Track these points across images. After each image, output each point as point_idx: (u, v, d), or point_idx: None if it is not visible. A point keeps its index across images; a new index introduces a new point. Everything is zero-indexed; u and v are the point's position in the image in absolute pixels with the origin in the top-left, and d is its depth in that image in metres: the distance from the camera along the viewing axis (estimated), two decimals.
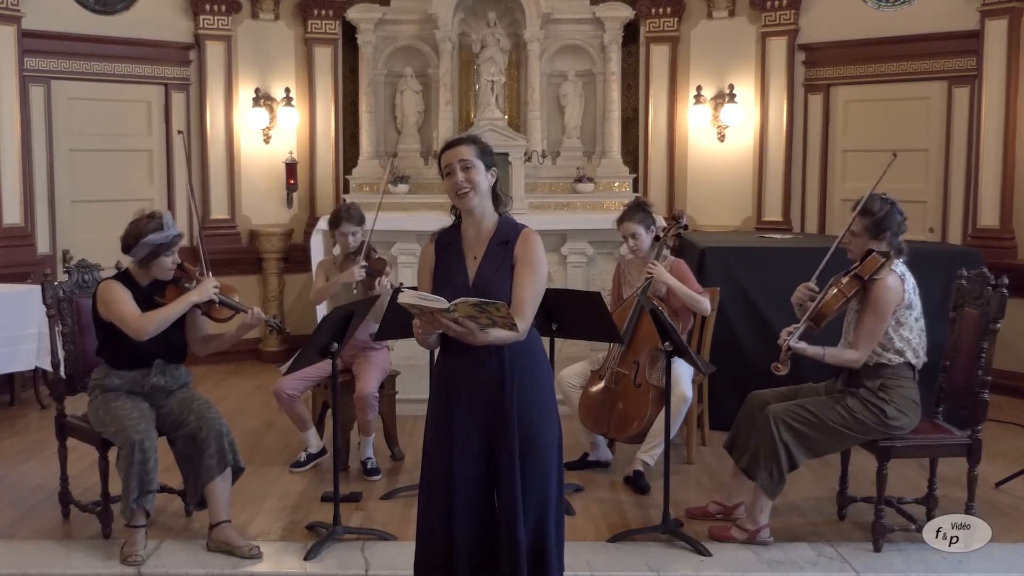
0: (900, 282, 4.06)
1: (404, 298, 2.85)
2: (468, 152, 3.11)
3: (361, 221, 5.19)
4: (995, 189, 6.82)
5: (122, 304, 4.08)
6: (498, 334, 2.96)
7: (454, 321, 2.90)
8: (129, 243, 4.13)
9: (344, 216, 5.16)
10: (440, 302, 2.85)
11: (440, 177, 3.27)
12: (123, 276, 4.22)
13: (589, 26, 7.83)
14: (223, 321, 4.32)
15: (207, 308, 4.25)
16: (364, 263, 5.05)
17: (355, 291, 5.04)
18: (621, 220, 5.04)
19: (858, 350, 4.07)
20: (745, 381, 4.87)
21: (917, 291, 4.13)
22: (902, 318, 4.07)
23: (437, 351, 3.21)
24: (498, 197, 3.18)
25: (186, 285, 4.20)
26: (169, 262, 4.16)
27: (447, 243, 3.19)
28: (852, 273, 4.06)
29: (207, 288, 4.15)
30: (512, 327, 2.92)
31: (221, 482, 4.09)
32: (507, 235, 3.12)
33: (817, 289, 4.17)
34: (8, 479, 5.06)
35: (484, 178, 3.11)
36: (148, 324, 4.05)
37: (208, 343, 4.41)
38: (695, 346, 5.25)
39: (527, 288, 3.05)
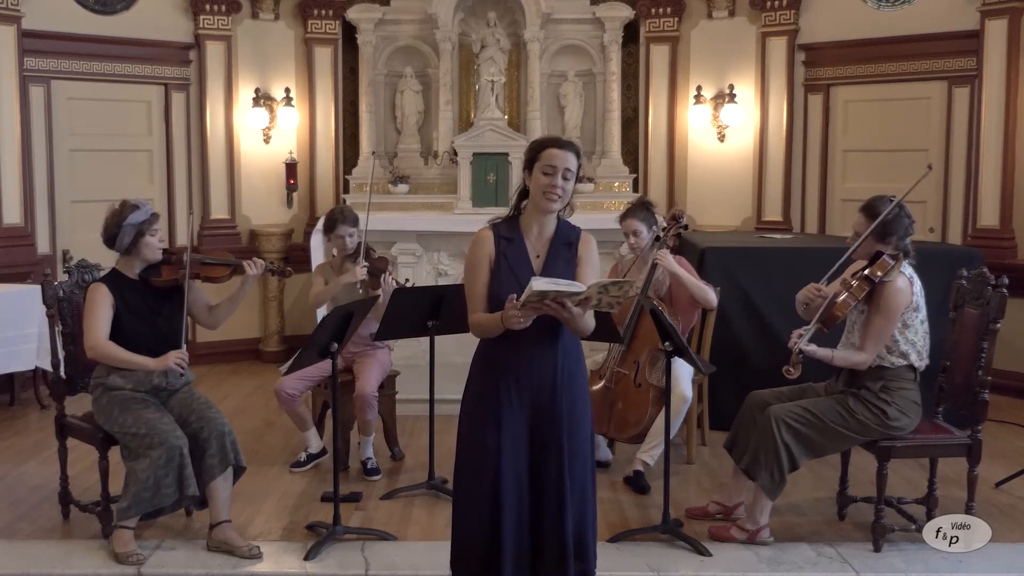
0: (909, 284, 4.06)
1: (540, 285, 2.90)
2: (574, 164, 3.16)
3: (356, 222, 5.18)
4: (995, 189, 6.82)
5: (92, 314, 4.10)
6: (589, 322, 3.07)
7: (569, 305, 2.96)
8: (112, 232, 4.14)
9: (339, 218, 5.15)
10: (575, 286, 2.94)
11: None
12: (112, 276, 4.22)
13: (589, 26, 7.83)
14: (222, 280, 4.36)
15: (204, 274, 4.29)
16: (365, 263, 5.05)
17: (359, 291, 5.02)
18: (624, 217, 5.05)
19: (866, 351, 4.06)
20: (745, 381, 4.87)
21: (923, 294, 4.13)
22: (908, 320, 4.07)
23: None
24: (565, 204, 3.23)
25: (175, 260, 4.23)
26: (155, 241, 4.17)
27: (508, 237, 3.20)
28: (863, 275, 4.02)
29: (168, 360, 4.06)
30: (619, 306, 3.04)
31: (222, 482, 4.09)
32: (569, 237, 3.22)
33: (824, 289, 4.14)
34: (8, 479, 5.06)
35: (570, 191, 3.18)
36: (101, 351, 4.07)
37: (216, 312, 4.41)
38: (695, 346, 5.25)
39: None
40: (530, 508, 3.15)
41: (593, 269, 3.21)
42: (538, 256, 3.19)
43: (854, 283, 4.03)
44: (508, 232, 3.21)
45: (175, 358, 4.05)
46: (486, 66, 7.72)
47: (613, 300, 2.98)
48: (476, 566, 3.16)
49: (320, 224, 7.26)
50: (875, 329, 4.04)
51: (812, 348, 4.04)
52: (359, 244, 5.17)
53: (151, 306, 4.18)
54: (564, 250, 3.19)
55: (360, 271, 5.01)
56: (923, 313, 4.12)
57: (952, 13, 7.02)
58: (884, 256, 4.02)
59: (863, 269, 4.06)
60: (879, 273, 3.99)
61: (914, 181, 4.34)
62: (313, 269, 7.01)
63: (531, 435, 3.14)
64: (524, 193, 3.22)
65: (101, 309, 4.09)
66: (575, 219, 3.33)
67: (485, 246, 3.19)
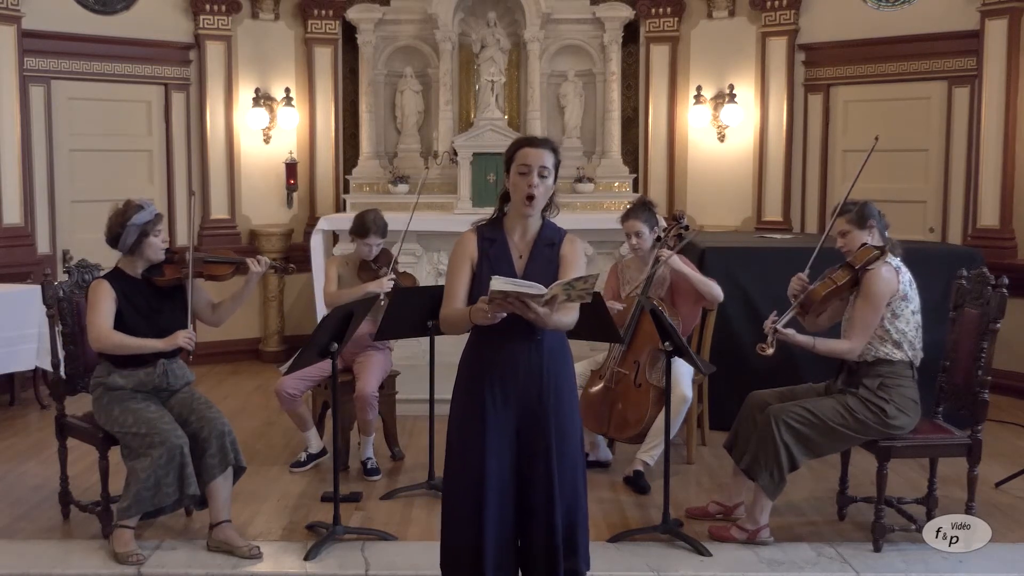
0: (895, 273, 4.08)
1: (499, 284, 2.87)
2: (549, 160, 3.15)
3: (386, 233, 5.18)
4: (995, 189, 6.82)
5: (95, 310, 4.10)
6: (561, 319, 3.03)
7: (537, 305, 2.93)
8: (116, 232, 4.13)
9: (372, 227, 5.08)
10: (536, 288, 2.90)
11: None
12: (114, 274, 4.22)
13: (589, 26, 7.84)
14: (225, 278, 4.39)
15: (208, 272, 4.32)
16: (393, 277, 5.05)
17: (382, 302, 4.90)
18: (626, 217, 5.04)
19: (850, 340, 4.09)
20: (745, 381, 4.87)
21: (914, 285, 4.14)
22: (897, 309, 4.08)
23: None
24: (548, 204, 3.21)
25: (177, 259, 4.24)
26: (159, 241, 4.17)
27: (491, 238, 3.20)
28: (845, 263, 4.10)
29: (177, 339, 4.10)
30: (589, 297, 2.97)
31: (222, 481, 4.09)
32: (552, 238, 3.20)
33: (809, 280, 4.20)
34: (8, 479, 5.06)
35: (551, 187, 3.17)
36: (105, 342, 4.06)
37: (220, 310, 4.42)
38: (695, 346, 5.25)
39: None
40: (518, 509, 3.14)
41: (577, 270, 3.16)
42: (521, 257, 3.18)
43: (837, 271, 4.09)
44: (491, 233, 3.21)
45: (183, 336, 4.07)
46: (486, 66, 7.72)
47: (582, 293, 2.95)
48: (464, 570, 3.15)
49: (324, 221, 7.33)
50: (860, 317, 4.06)
51: (791, 332, 4.07)
52: (384, 252, 5.18)
53: (153, 305, 4.18)
54: (547, 250, 3.18)
55: (387, 283, 5.00)
56: (915, 304, 4.13)
57: (952, 13, 7.02)
58: (867, 245, 4.07)
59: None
60: (860, 260, 4.03)
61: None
62: (315, 265, 7.06)
63: (518, 437, 3.13)
64: (508, 195, 3.21)
65: (104, 305, 4.09)
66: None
67: (467, 247, 3.20)
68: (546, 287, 2.93)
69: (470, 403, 3.15)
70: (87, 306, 4.17)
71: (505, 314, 2.94)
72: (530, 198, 3.11)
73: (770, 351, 4.04)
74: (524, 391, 3.11)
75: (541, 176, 3.11)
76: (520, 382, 3.11)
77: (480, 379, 3.13)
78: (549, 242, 3.19)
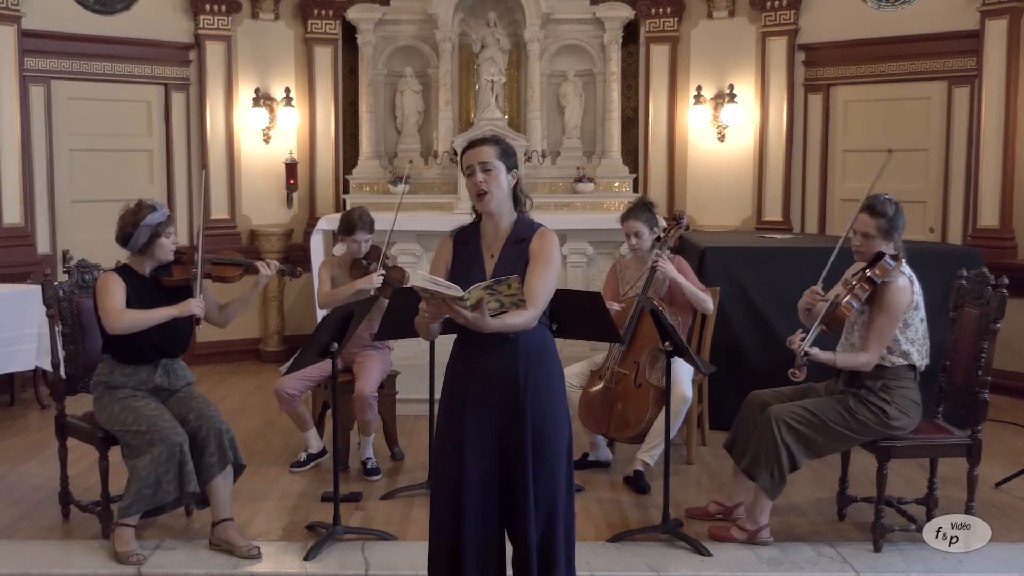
0: (910, 283, 4.06)
1: (416, 280, 2.83)
2: (489, 154, 3.12)
3: (373, 228, 5.19)
4: (995, 189, 6.82)
5: (108, 295, 4.10)
6: (509, 320, 2.95)
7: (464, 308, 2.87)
8: (128, 232, 4.13)
9: (358, 224, 5.11)
10: (454, 289, 2.83)
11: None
12: (123, 269, 4.22)
13: (589, 26, 7.83)
14: (234, 280, 4.41)
15: (216, 273, 4.33)
16: (382, 272, 5.05)
17: (373, 295, 4.96)
18: (626, 217, 5.04)
19: (869, 352, 4.05)
20: (745, 381, 4.87)
21: (921, 293, 4.13)
22: (909, 319, 4.07)
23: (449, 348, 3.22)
24: (517, 198, 3.21)
25: (186, 260, 4.25)
26: (169, 242, 4.18)
27: (465, 241, 3.22)
28: (865, 276, 4.01)
29: (190, 305, 4.13)
30: (521, 303, 2.90)
31: (222, 480, 4.09)
32: (523, 233, 3.16)
33: (823, 293, 4.15)
34: (8, 479, 5.06)
35: (504, 180, 3.13)
36: (123, 320, 4.05)
37: (226, 311, 4.43)
38: (695, 346, 5.25)
39: (539, 278, 3.07)
40: (504, 509, 3.13)
41: (546, 262, 3.08)
42: (493, 256, 3.17)
43: (856, 285, 4.01)
44: (467, 237, 3.22)
45: (195, 303, 4.10)
46: (486, 66, 7.72)
47: (512, 298, 2.87)
48: (445, 569, 3.14)
49: (324, 221, 7.33)
50: (878, 329, 4.03)
51: (815, 351, 4.02)
52: (373, 249, 5.18)
53: (159, 303, 4.17)
54: (516, 248, 3.14)
55: (376, 279, 5.00)
56: (922, 312, 4.13)
57: (952, 13, 7.02)
58: (886, 258, 4.01)
59: (864, 270, 4.05)
60: (880, 275, 3.98)
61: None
62: (315, 265, 7.07)
63: (500, 437, 3.11)
64: None
65: (117, 292, 4.09)
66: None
67: (442, 253, 3.23)
68: (464, 288, 2.85)
69: (451, 404, 3.16)
70: (98, 295, 4.15)
71: (444, 316, 2.90)
72: (480, 194, 3.11)
73: (803, 376, 4.00)
74: (502, 392, 3.09)
75: (485, 171, 3.10)
76: (497, 383, 3.09)
77: (460, 380, 3.14)
78: (519, 238, 3.15)
